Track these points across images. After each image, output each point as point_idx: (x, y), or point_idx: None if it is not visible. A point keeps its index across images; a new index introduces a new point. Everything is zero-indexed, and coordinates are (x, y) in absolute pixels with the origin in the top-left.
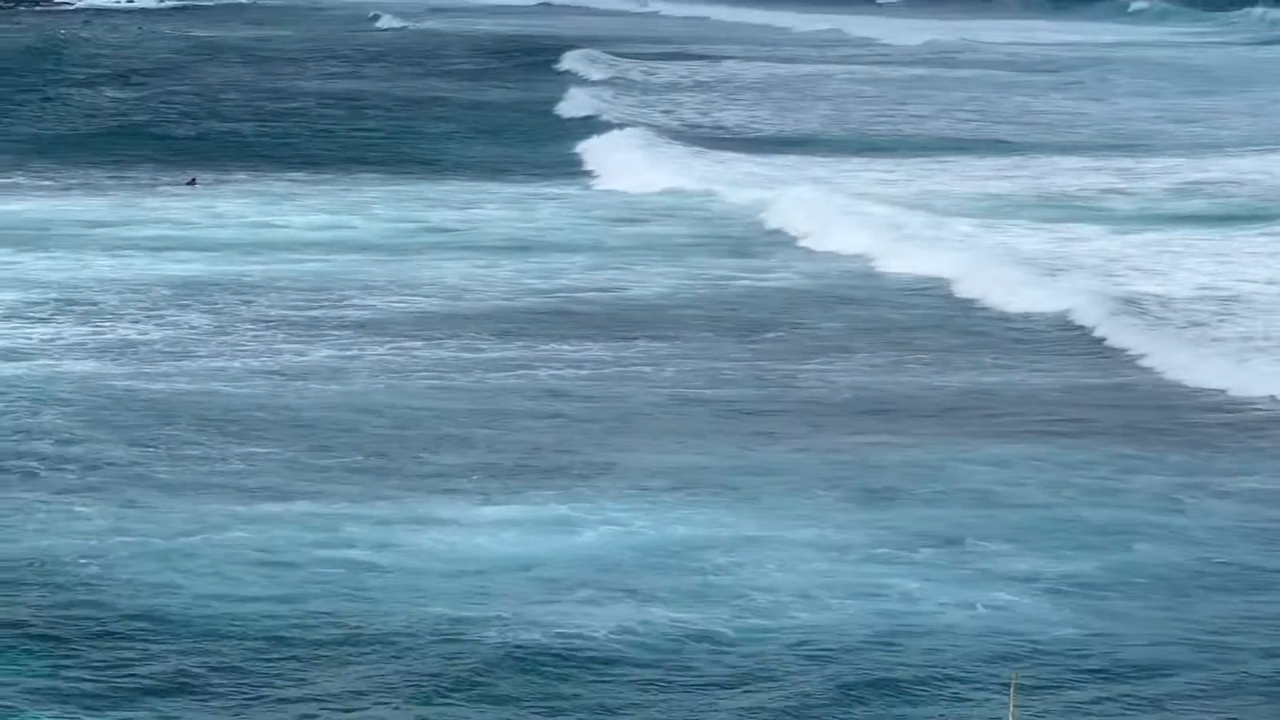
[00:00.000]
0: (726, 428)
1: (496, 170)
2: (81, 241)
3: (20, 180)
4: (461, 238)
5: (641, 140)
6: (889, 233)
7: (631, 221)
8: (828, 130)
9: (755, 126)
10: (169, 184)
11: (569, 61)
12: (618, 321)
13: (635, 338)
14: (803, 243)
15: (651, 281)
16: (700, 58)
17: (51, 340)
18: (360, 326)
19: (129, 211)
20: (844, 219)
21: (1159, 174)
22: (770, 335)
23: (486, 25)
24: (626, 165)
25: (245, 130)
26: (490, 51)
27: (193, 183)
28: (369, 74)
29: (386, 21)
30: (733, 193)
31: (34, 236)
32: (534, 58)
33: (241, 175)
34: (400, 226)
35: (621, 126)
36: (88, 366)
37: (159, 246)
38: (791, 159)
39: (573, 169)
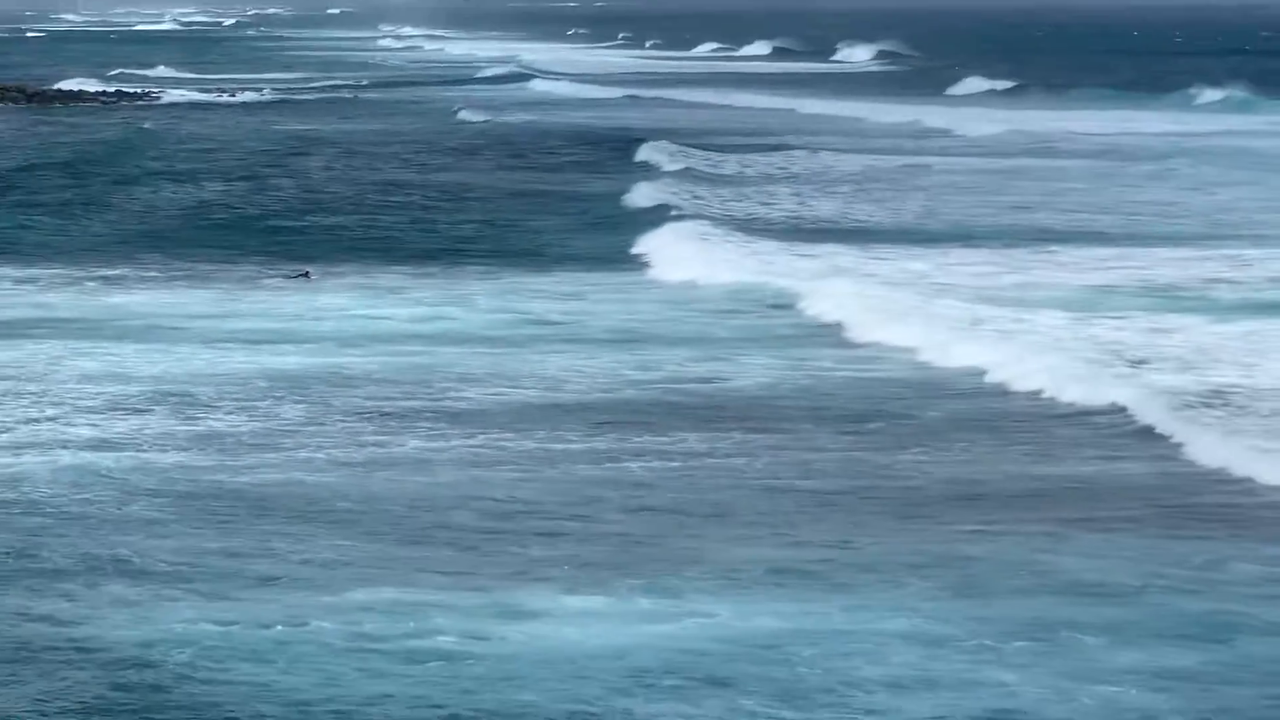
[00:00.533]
0: (818, 518)
1: (596, 261)
2: (182, 334)
3: (126, 272)
4: (563, 330)
5: (739, 233)
6: (984, 324)
7: (734, 313)
8: (925, 222)
9: (851, 217)
10: (274, 277)
11: (664, 154)
12: (715, 413)
13: (731, 429)
14: (900, 334)
15: (752, 372)
16: (787, 148)
17: (143, 430)
18: (454, 418)
19: (230, 304)
20: (939, 311)
21: (1265, 262)
22: (867, 426)
23: (574, 117)
24: (723, 258)
25: (349, 223)
26: (580, 143)
27: (306, 275)
28: (465, 166)
29: (466, 115)
30: (830, 284)
31: (137, 329)
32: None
33: (346, 268)
34: (501, 318)
35: (717, 220)
36: (178, 458)
37: (258, 339)
38: (889, 250)
39: (664, 262)
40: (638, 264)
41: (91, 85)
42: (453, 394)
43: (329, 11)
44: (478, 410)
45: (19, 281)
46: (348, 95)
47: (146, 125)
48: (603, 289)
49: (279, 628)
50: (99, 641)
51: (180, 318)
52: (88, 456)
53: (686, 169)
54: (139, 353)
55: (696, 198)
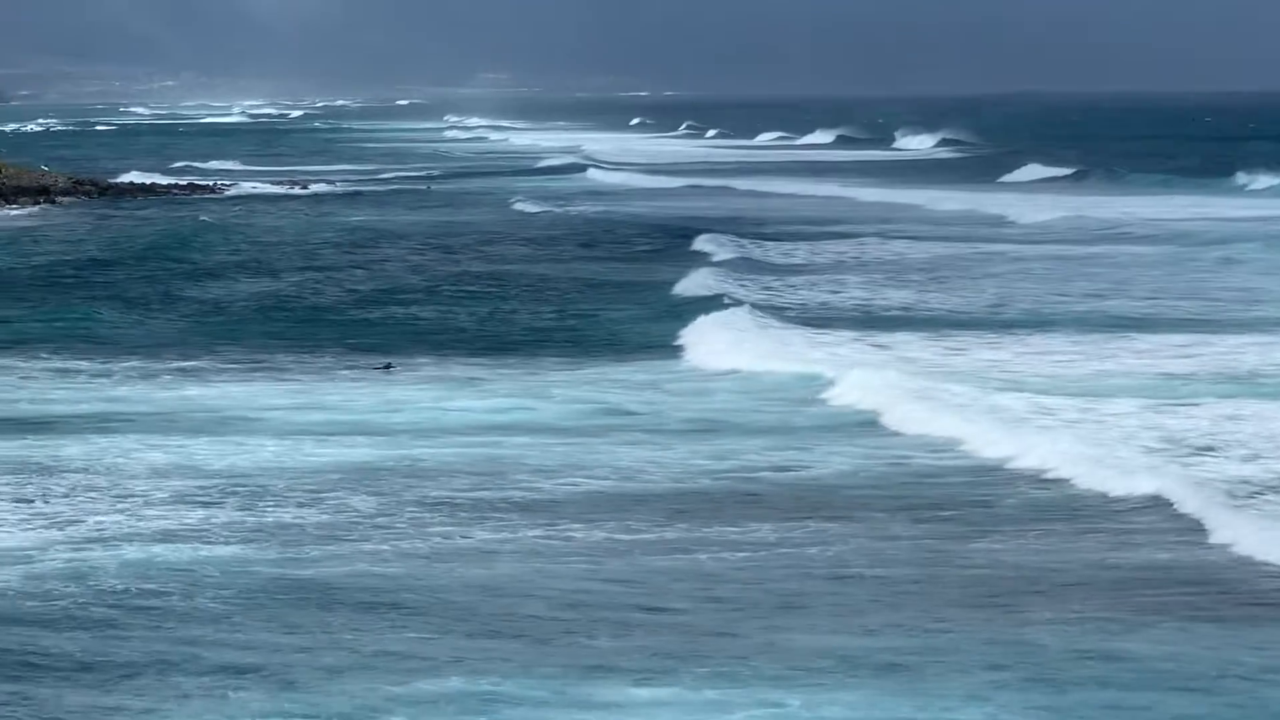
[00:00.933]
0: (890, 607)
1: (670, 350)
2: (255, 427)
3: (201, 365)
4: (639, 420)
5: (809, 324)
6: (1057, 414)
7: (809, 402)
8: (998, 309)
9: (925, 306)
10: (352, 369)
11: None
12: (789, 502)
13: (805, 518)
14: (975, 423)
15: (828, 461)
16: (850, 236)
17: (210, 522)
18: (524, 509)
19: (305, 397)
20: (1015, 400)
21: None
22: (940, 514)
23: (632, 206)
24: (795, 347)
25: (426, 314)
26: (640, 232)
27: (388, 368)
28: (530, 256)
29: (523, 206)
30: (905, 378)
31: (209, 422)
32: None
33: (423, 360)
34: (577, 409)
35: (787, 309)
36: (245, 550)
37: (332, 431)
38: (962, 338)
39: (736, 351)
40: (708, 352)
41: (155, 178)
42: (524, 485)
43: (398, 103)
44: (549, 501)
45: (94, 375)
46: (421, 186)
47: (204, 218)
48: (679, 377)
49: None
50: None
51: (253, 410)
52: (155, 549)
53: (743, 258)
54: (210, 445)
55: (765, 288)
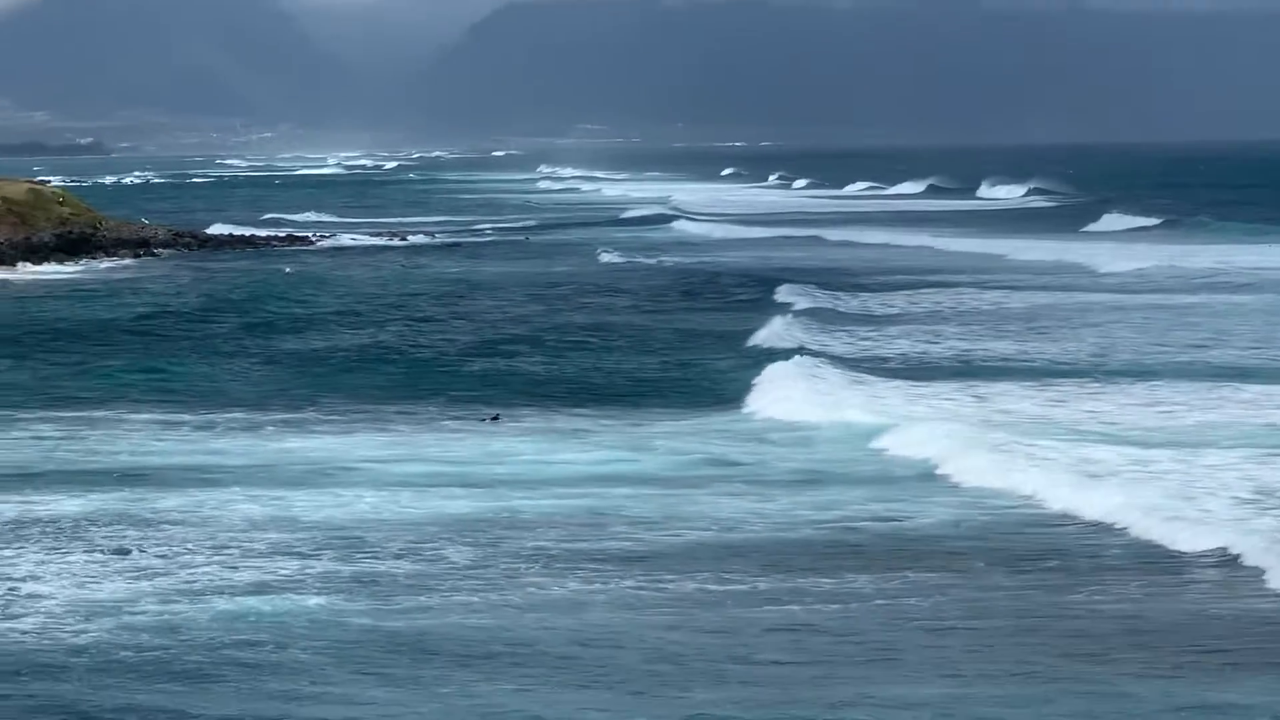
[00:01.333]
0: (986, 659)
1: (768, 400)
2: (354, 478)
3: (310, 416)
4: (743, 470)
5: (905, 377)
6: (1157, 464)
7: (914, 456)
8: (1099, 359)
9: (1025, 357)
10: (456, 420)
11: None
12: (887, 553)
13: (903, 569)
14: (1077, 475)
15: (930, 512)
16: (948, 286)
17: (304, 573)
18: (622, 560)
19: (404, 448)
20: (1115, 452)
21: None
22: (1039, 565)
23: (719, 257)
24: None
25: (529, 366)
26: (725, 282)
27: (495, 419)
28: (635, 307)
29: (608, 257)
30: (1005, 430)
31: (308, 473)
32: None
33: (527, 410)
34: (680, 460)
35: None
36: (338, 602)
37: (431, 483)
38: (1066, 388)
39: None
40: (807, 403)
41: (253, 230)
42: (622, 536)
43: (494, 154)
44: (646, 552)
45: (197, 428)
46: (519, 238)
47: (287, 270)
48: (779, 428)
49: None
50: None
51: (353, 461)
52: (249, 601)
53: (834, 309)
54: (308, 497)
55: (863, 338)
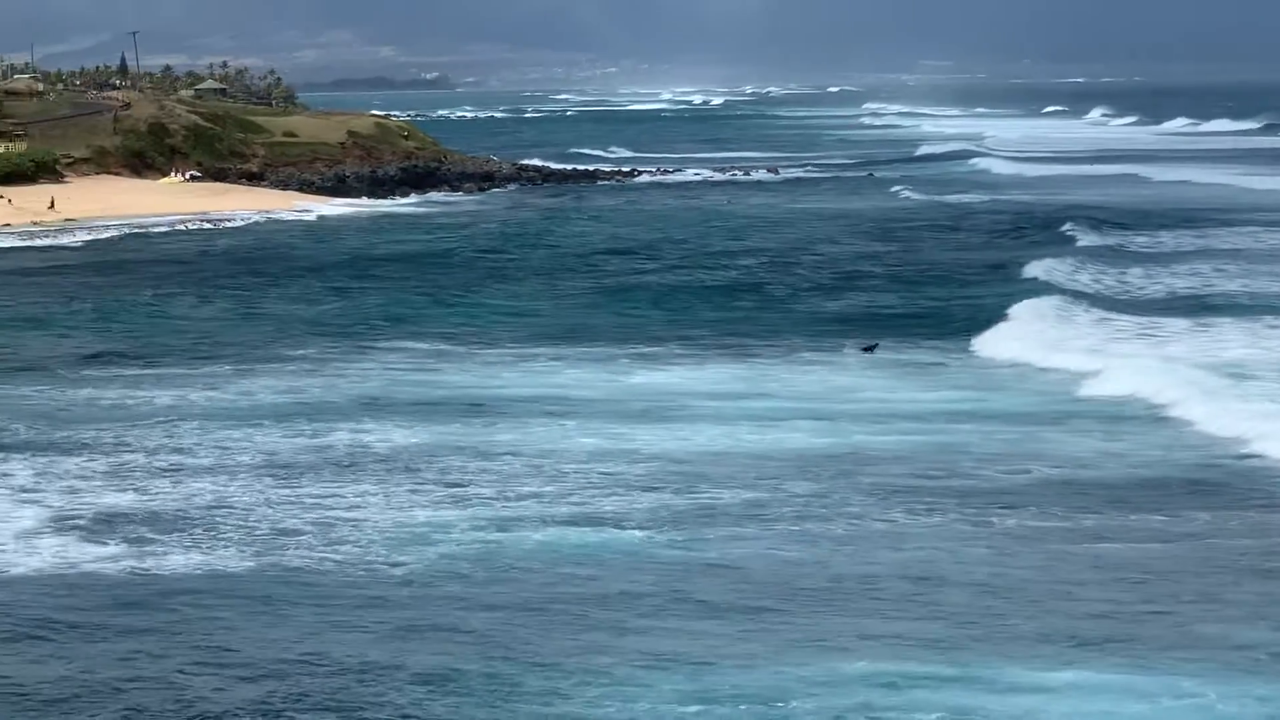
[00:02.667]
0: None
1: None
2: (697, 412)
3: (659, 350)
4: (1088, 406)
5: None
6: None
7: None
8: None
9: None
10: (817, 351)
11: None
12: (1236, 493)
13: (1247, 509)
14: None
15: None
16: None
17: (631, 506)
18: (961, 495)
19: (747, 384)
20: None
21: None
22: None
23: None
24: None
25: (889, 300)
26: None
27: (872, 349)
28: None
29: (907, 193)
30: None
31: (652, 409)
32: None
33: (889, 340)
34: (1031, 399)
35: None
36: (660, 534)
37: (775, 417)
38: None
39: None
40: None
41: (599, 166)
42: (965, 472)
43: (829, 89)
44: (986, 488)
45: (552, 359)
46: (863, 174)
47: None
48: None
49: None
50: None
51: (699, 396)
52: (569, 533)
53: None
54: (651, 431)
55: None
